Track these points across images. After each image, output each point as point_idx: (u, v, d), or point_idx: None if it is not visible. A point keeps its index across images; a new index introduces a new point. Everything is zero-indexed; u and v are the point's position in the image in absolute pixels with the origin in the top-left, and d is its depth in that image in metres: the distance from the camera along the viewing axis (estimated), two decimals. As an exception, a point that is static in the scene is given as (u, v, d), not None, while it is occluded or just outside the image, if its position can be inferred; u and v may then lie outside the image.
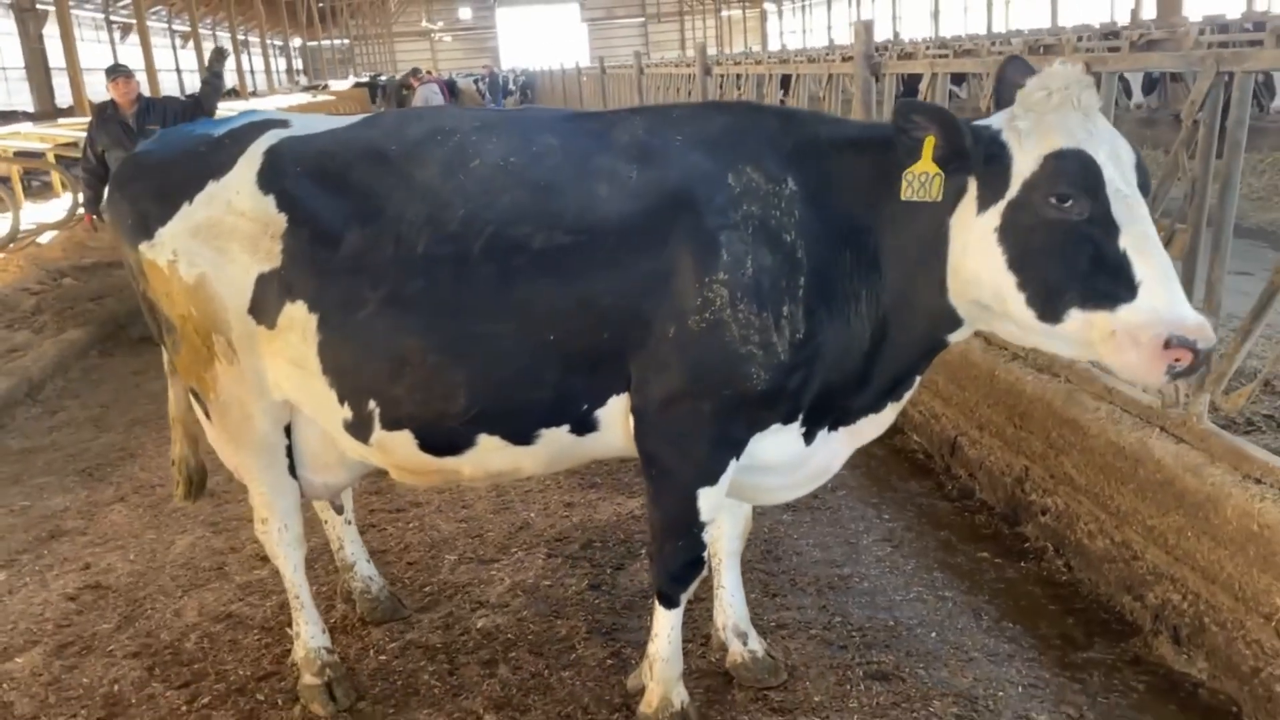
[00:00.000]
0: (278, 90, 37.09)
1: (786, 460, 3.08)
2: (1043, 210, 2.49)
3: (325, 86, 36.26)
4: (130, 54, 42.91)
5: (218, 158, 3.12)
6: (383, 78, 36.18)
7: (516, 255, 2.85)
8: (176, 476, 3.82)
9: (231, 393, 3.21)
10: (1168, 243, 3.59)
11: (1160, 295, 2.40)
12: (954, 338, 2.94)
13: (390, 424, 3.04)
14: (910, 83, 6.13)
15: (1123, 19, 31.78)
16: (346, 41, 63.41)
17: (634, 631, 3.90)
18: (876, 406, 3.08)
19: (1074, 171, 2.47)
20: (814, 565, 4.35)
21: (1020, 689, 3.43)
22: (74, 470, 6.03)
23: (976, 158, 2.59)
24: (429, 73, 24.24)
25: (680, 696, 3.29)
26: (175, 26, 49.86)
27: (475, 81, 36.50)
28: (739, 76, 9.50)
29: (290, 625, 3.93)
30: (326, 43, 54.63)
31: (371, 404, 3.04)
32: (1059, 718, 3.28)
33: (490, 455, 3.10)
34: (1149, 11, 32.35)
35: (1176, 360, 2.37)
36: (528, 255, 2.84)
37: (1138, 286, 2.41)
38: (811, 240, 2.80)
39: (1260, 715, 3.12)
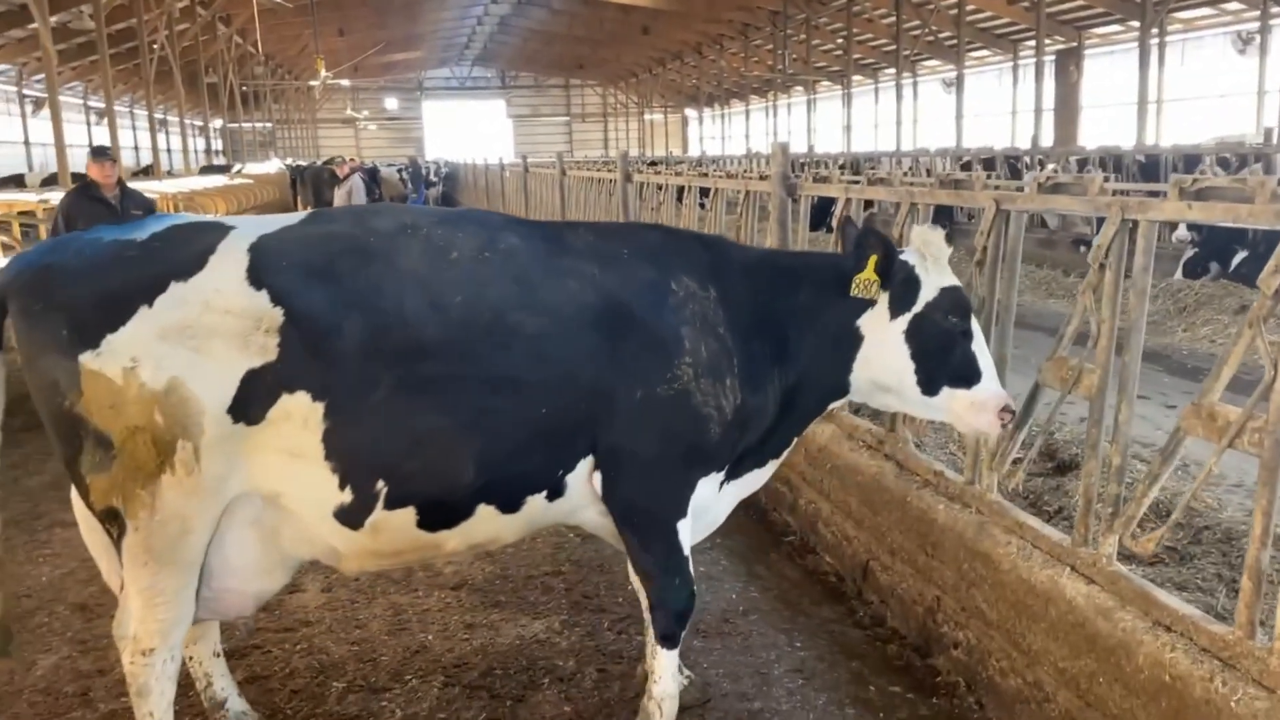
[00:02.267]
0: (193, 171, 36.42)
1: (702, 506, 3.62)
2: (940, 322, 3.56)
3: (239, 170, 35.76)
4: (42, 128, 41.99)
5: (170, 259, 3.07)
6: (302, 163, 35.99)
7: (514, 337, 3.24)
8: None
9: (174, 507, 3.05)
10: (1076, 381, 3.63)
11: (993, 379, 3.61)
12: (834, 405, 3.90)
13: (396, 502, 3.21)
14: (823, 202, 6.25)
15: (1023, 143, 33.46)
16: (269, 125, 63.08)
17: (532, 773, 3.68)
18: (762, 462, 3.84)
19: (959, 300, 3.59)
20: (724, 699, 4.18)
21: (933, 842, 3.30)
22: (-69, 577, 5.56)
23: (895, 279, 3.56)
24: (350, 160, 23.99)
25: None
26: (90, 103, 49.07)
27: (399, 170, 36.47)
28: (659, 186, 9.60)
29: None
30: (248, 125, 54.14)
31: (380, 484, 3.18)
32: None
33: (480, 525, 3.38)
34: (1047, 137, 34.15)
35: (1004, 419, 3.54)
36: (524, 338, 3.25)
37: (981, 374, 3.57)
38: (733, 334, 3.53)
39: None
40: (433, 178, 38.65)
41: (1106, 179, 12.50)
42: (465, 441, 3.22)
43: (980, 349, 3.60)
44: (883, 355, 3.62)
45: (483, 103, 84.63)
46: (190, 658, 3.74)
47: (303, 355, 3.05)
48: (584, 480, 3.46)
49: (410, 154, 60.42)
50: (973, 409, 3.57)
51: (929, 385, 3.60)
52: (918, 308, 3.57)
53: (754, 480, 3.87)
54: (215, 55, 41.82)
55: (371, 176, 25.24)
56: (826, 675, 4.39)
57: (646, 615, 3.75)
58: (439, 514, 3.31)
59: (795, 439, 3.91)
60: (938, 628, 4.37)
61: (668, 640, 3.66)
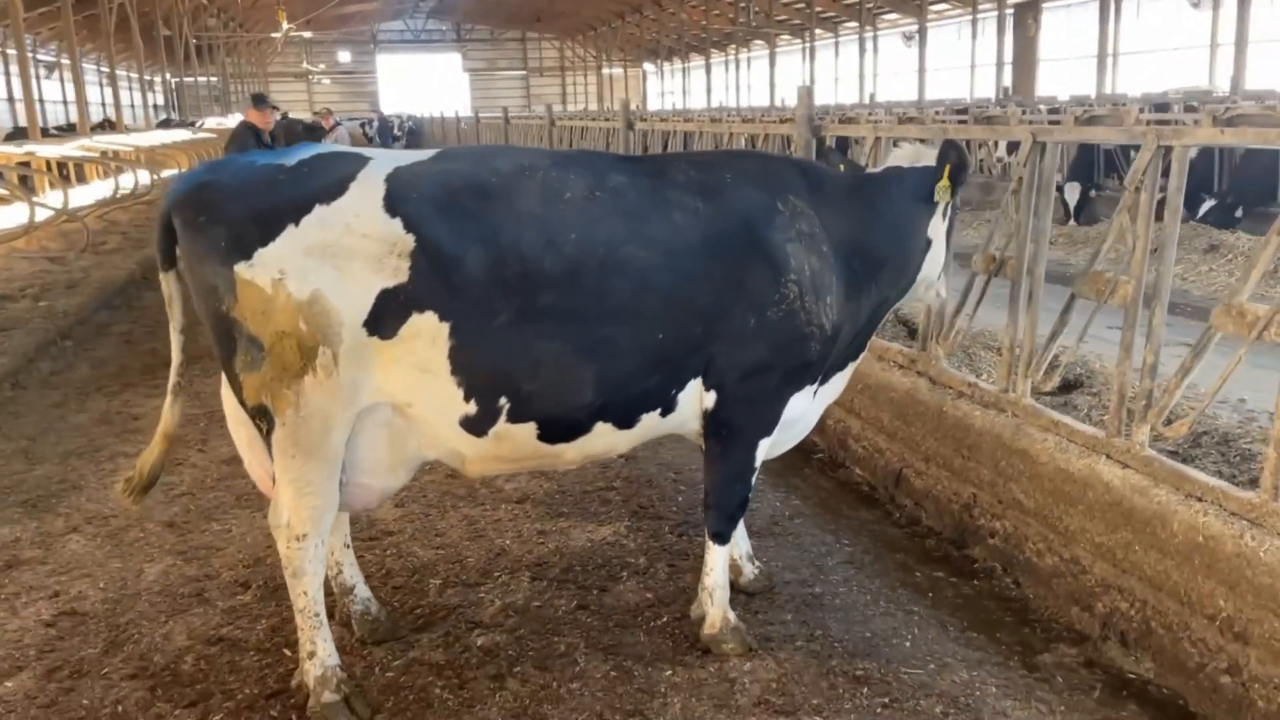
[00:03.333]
0: (152, 125, 35.89)
1: (797, 414, 4.02)
2: (952, 217, 4.13)
3: (202, 124, 35.31)
4: (-7, 81, 40.91)
5: (315, 184, 3.35)
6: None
7: (629, 270, 3.51)
8: (133, 477, 3.78)
9: (316, 405, 3.37)
10: (1113, 292, 4.11)
11: None
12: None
13: (517, 417, 3.54)
14: (841, 143, 6.65)
15: (981, 96, 34.07)
16: (219, 79, 61.82)
17: (632, 646, 4.12)
18: (843, 365, 4.23)
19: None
20: (786, 585, 4.65)
21: (994, 689, 3.80)
22: (14, 502, 5.85)
23: (958, 187, 4.01)
24: (332, 113, 23.76)
25: (732, 614, 4.09)
26: (40, 56, 47.84)
27: (362, 125, 36.15)
28: (667, 134, 9.93)
29: (290, 646, 4.06)
30: (201, 79, 53.03)
31: (503, 400, 3.50)
32: (1032, 713, 3.65)
33: (598, 440, 3.73)
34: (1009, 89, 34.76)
35: None
36: (637, 270, 3.52)
37: None
38: (834, 251, 3.84)
39: (1205, 706, 3.56)
40: (396, 132, 38.40)
41: (1142, 110, 13.05)
42: (584, 367, 3.52)
43: None
44: (936, 254, 4.13)
45: (438, 56, 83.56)
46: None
47: (431, 279, 3.34)
48: (694, 397, 3.78)
49: (373, 109, 59.64)
50: (944, 281, 4.27)
51: (944, 272, 4.24)
52: (951, 211, 4.11)
53: (838, 383, 4.23)
54: (170, 7, 41.01)
55: (308, 130, 25.00)
56: (874, 565, 4.89)
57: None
58: (558, 429, 3.64)
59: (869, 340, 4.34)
60: (974, 521, 4.87)
61: (718, 538, 4.06)
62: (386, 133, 33.00)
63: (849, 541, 5.16)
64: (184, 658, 4.11)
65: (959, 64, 41.20)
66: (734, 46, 56.91)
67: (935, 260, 4.14)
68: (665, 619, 4.36)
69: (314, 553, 3.60)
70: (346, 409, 3.44)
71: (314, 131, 24.24)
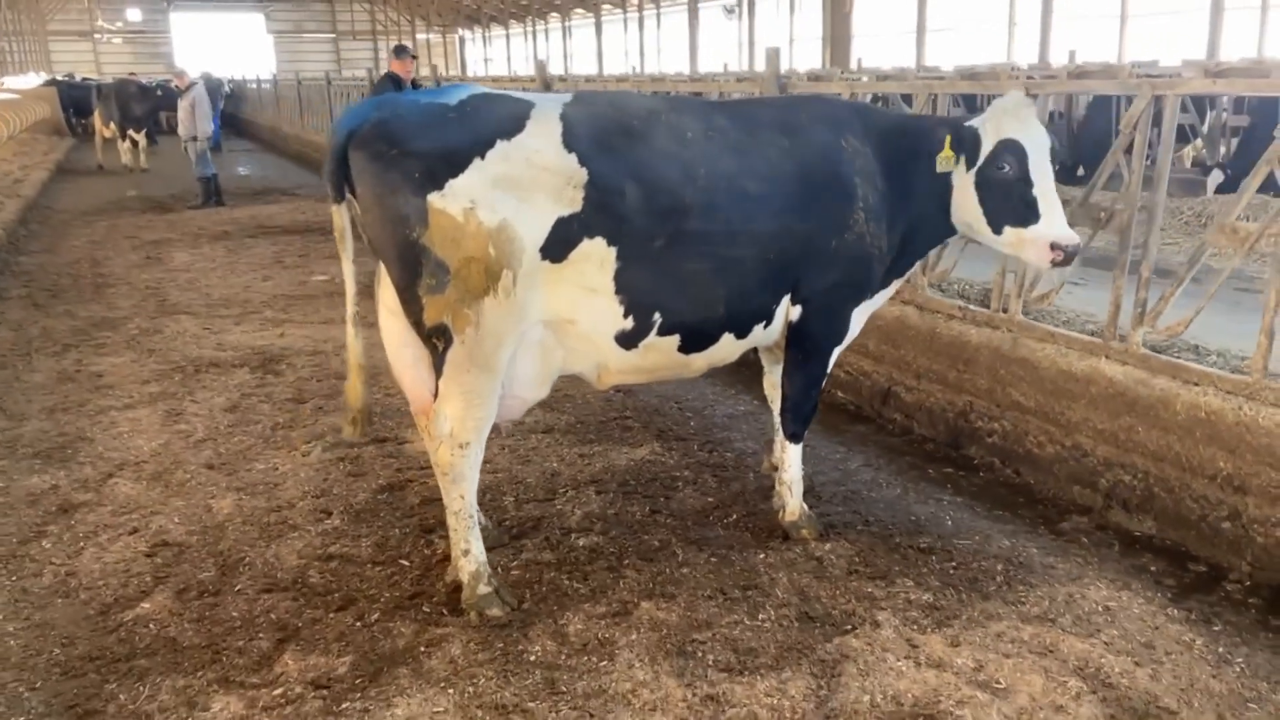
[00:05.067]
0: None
1: (857, 325, 4.58)
2: (994, 172, 4.20)
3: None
4: None
5: (492, 121, 3.68)
6: (77, 77, 33.15)
7: (747, 200, 4.00)
8: (356, 417, 4.10)
9: (493, 324, 3.70)
10: (1109, 220, 4.90)
11: (1050, 220, 4.14)
12: (952, 239, 4.82)
13: (666, 330, 4.05)
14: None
15: (803, 66, 35.73)
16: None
17: (718, 539, 4.62)
18: (887, 284, 4.62)
19: (1007, 150, 4.18)
20: (824, 486, 5.27)
21: (1035, 550, 4.53)
22: (26, 454, 5.75)
23: (965, 145, 4.27)
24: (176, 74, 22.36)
25: (805, 505, 4.72)
26: None
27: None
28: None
29: (404, 558, 4.38)
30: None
31: (657, 315, 3.99)
32: (1073, 564, 4.40)
33: (721, 349, 4.27)
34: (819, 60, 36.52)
35: (1054, 256, 4.10)
36: (754, 199, 4.03)
37: (1039, 216, 4.14)
38: (883, 184, 4.33)
39: (1205, 549, 4.40)
40: (225, 90, 36.52)
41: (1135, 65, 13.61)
42: (720, 284, 4.05)
43: (1043, 193, 4.13)
44: (963, 200, 4.35)
45: (239, 16, 79.32)
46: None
47: (600, 208, 3.75)
48: (783, 311, 4.35)
49: (161, 70, 56.11)
50: (1024, 244, 4.17)
51: (995, 224, 4.28)
52: (980, 162, 4.24)
53: (883, 298, 4.69)
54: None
55: (143, 91, 23.65)
56: (890, 466, 5.58)
57: (776, 419, 4.77)
58: (696, 340, 4.17)
59: (916, 265, 4.80)
60: (970, 425, 5.62)
61: (794, 437, 4.66)
62: (215, 92, 31.41)
63: (859, 450, 5.83)
64: (307, 573, 4.33)
65: (778, 38, 42.86)
66: (556, 15, 56.91)
67: (961, 207, 4.32)
68: (735, 517, 4.89)
69: (474, 459, 3.92)
70: (517, 327, 3.80)
71: (147, 92, 23.10)
